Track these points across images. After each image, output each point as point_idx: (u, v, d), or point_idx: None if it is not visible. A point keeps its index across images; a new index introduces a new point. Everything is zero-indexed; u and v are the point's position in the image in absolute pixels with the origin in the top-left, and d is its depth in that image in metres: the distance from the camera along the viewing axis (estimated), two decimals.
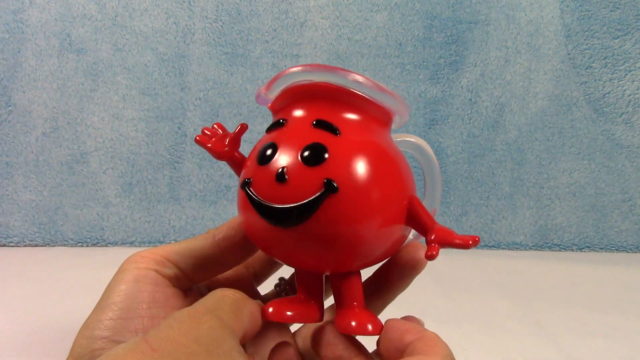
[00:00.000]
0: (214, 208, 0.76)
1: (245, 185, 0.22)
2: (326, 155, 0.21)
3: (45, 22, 0.72)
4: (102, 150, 0.74)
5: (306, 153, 0.21)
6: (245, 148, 0.24)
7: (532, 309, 0.54)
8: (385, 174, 0.22)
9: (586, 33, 0.78)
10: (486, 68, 0.78)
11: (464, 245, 0.20)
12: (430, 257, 0.21)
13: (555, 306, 0.55)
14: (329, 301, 0.26)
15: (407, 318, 0.23)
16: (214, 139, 0.26)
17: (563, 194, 0.79)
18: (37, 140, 0.72)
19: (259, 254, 0.27)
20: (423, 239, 0.23)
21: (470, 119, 0.78)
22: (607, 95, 0.78)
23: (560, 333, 0.48)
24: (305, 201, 0.20)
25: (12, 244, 0.72)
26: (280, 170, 0.21)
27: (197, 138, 0.26)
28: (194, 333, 0.18)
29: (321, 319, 0.24)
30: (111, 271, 0.24)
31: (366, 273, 0.25)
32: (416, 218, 0.22)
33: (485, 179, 0.78)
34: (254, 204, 0.21)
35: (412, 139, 0.26)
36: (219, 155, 0.26)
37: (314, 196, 0.20)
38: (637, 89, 0.78)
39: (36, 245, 0.72)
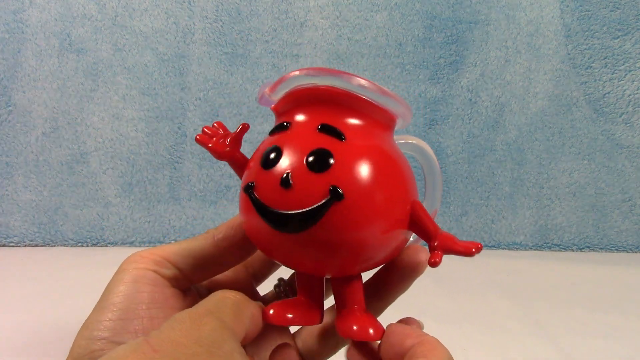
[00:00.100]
0: (214, 208, 0.76)
1: (248, 189, 0.22)
2: (331, 161, 0.20)
3: (45, 22, 0.72)
4: (102, 150, 0.74)
5: (311, 158, 0.20)
6: (245, 148, 0.24)
7: (532, 309, 0.54)
8: (390, 180, 0.22)
9: (586, 33, 0.78)
10: (486, 68, 0.78)
11: (467, 253, 0.21)
12: (434, 264, 0.21)
13: (555, 306, 0.55)
14: (329, 301, 0.26)
15: (406, 320, 0.23)
16: (214, 139, 0.26)
17: (563, 194, 0.79)
18: (37, 140, 0.72)
19: (258, 254, 0.27)
20: (422, 240, 0.23)
21: (470, 119, 0.78)
22: (607, 95, 0.78)
23: (560, 333, 0.48)
24: (310, 208, 0.20)
25: (12, 244, 0.72)
26: (285, 175, 0.20)
27: (198, 137, 0.26)
28: (195, 334, 0.18)
29: (321, 321, 0.24)
30: (111, 271, 0.24)
31: (366, 275, 0.25)
32: (419, 224, 0.22)
33: (485, 179, 0.78)
34: (258, 209, 0.21)
35: (414, 140, 0.26)
36: (219, 156, 0.25)
37: (319, 203, 0.20)
38: (637, 89, 0.78)
39: (36, 245, 0.72)
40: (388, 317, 0.24)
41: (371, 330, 0.22)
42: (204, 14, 0.74)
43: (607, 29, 0.78)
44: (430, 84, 0.77)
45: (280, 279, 0.29)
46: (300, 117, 0.23)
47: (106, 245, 0.74)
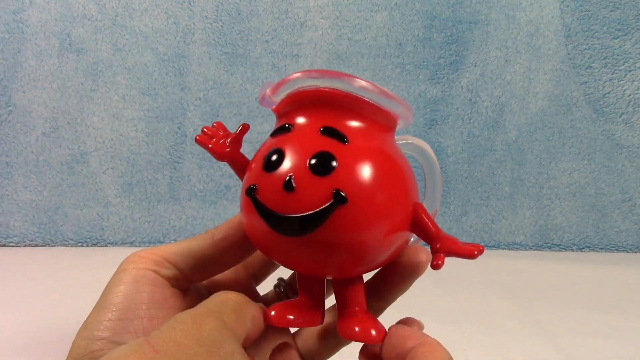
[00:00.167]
0: (214, 208, 0.76)
1: (250, 191, 0.22)
2: (334, 164, 0.20)
3: (45, 22, 0.72)
4: (102, 150, 0.74)
5: (314, 161, 0.20)
6: (246, 148, 0.24)
7: (532, 309, 0.54)
8: (393, 182, 0.22)
9: (586, 33, 0.78)
10: (486, 68, 0.78)
11: (469, 256, 0.21)
12: (436, 266, 0.21)
13: (555, 306, 0.55)
14: (329, 301, 0.26)
15: (407, 321, 0.23)
16: (214, 139, 0.25)
17: (563, 194, 0.79)
18: (37, 140, 0.72)
19: (258, 254, 0.27)
20: (422, 241, 0.23)
21: (470, 119, 0.78)
22: (607, 95, 0.78)
23: (560, 333, 0.48)
24: (313, 211, 0.20)
25: (12, 244, 0.72)
26: (287, 178, 0.20)
27: (197, 138, 0.26)
28: (195, 334, 0.18)
29: (322, 322, 0.24)
30: (111, 271, 0.24)
31: (367, 275, 0.25)
32: (421, 226, 0.22)
33: (485, 179, 0.78)
34: (260, 211, 0.21)
35: (414, 141, 0.26)
36: (220, 156, 0.25)
37: (323, 207, 0.20)
38: (637, 89, 0.78)
39: (36, 245, 0.72)
40: (388, 317, 0.24)
41: (373, 332, 0.22)
42: (204, 14, 0.74)
43: (607, 29, 0.78)
44: (430, 84, 0.77)
45: (280, 279, 0.29)
46: (302, 119, 0.22)
47: (106, 245, 0.74)
